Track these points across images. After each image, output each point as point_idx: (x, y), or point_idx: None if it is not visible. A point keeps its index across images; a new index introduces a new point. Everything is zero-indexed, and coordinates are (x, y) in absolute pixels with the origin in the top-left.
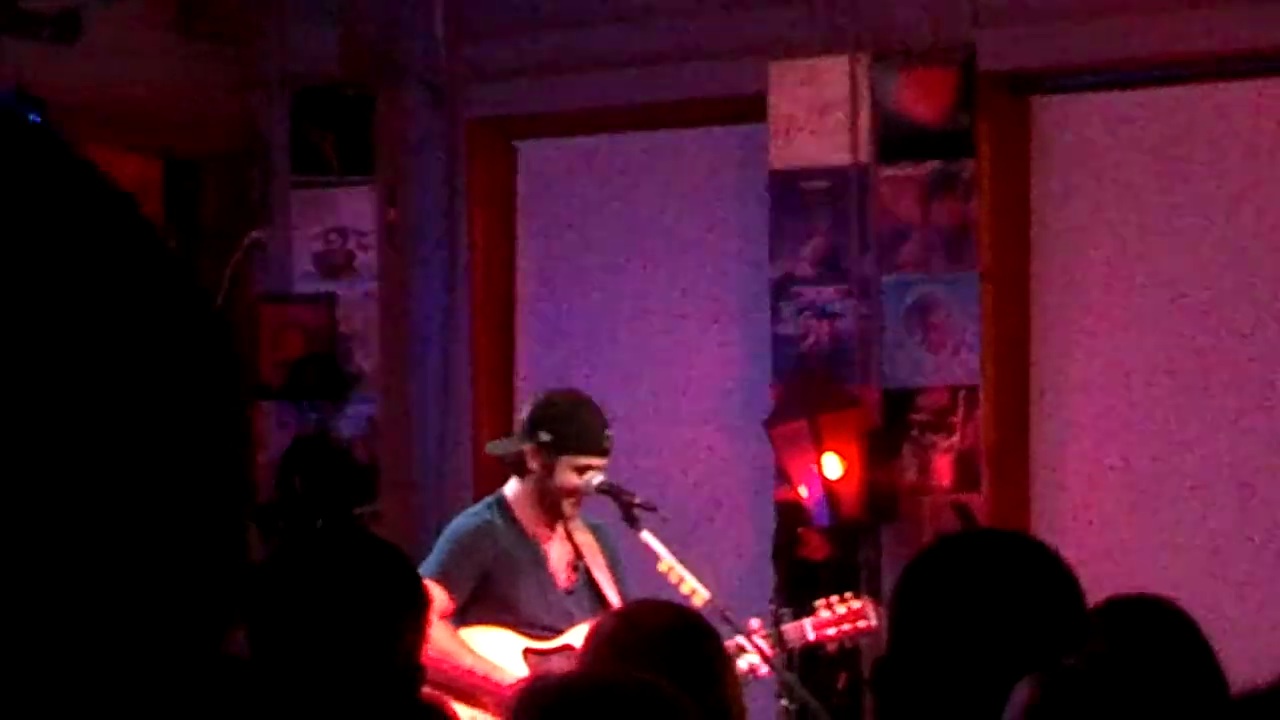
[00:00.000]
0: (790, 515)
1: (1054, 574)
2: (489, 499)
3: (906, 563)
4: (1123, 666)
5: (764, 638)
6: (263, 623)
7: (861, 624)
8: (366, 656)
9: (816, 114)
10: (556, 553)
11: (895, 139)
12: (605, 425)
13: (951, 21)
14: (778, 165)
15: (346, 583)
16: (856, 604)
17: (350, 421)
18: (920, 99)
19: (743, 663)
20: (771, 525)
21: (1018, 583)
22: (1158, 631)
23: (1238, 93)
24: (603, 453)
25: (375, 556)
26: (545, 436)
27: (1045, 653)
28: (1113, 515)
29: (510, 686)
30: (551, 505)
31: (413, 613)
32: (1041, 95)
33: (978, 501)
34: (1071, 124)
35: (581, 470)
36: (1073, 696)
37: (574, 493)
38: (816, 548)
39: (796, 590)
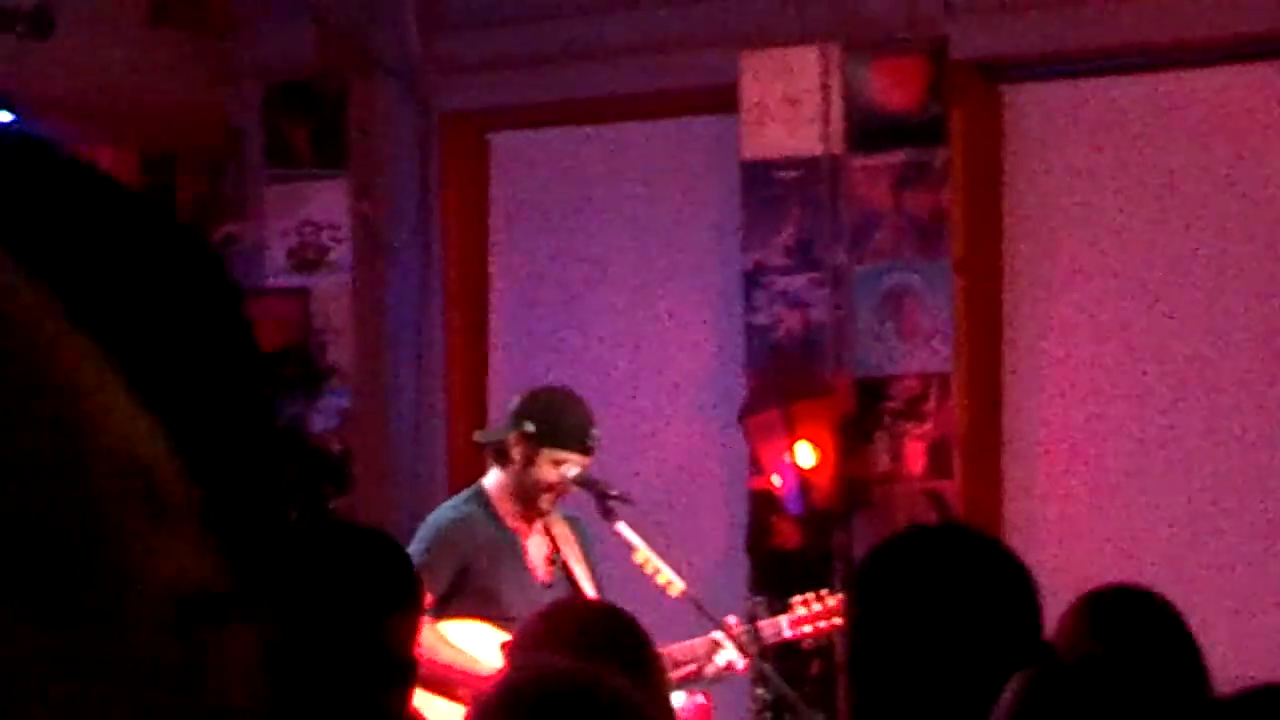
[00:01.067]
0: (763, 504)
1: (1006, 567)
2: (468, 491)
3: (863, 558)
4: (1110, 662)
5: (740, 634)
6: None
7: (837, 620)
8: (359, 649)
9: (788, 104)
10: (535, 546)
11: (867, 128)
12: (591, 424)
13: (923, 10)
14: (749, 155)
15: (341, 574)
16: (832, 601)
17: (324, 414)
18: (892, 88)
19: (720, 659)
20: (745, 514)
21: (970, 577)
22: (1144, 623)
23: (1211, 80)
24: (584, 450)
25: (370, 548)
26: (530, 427)
27: (1002, 647)
28: (1085, 503)
29: (489, 679)
30: (529, 500)
31: (407, 606)
32: (1013, 84)
33: (951, 490)
34: (1044, 112)
35: (560, 464)
36: (1060, 694)
37: (551, 488)
38: (790, 536)
39: (770, 579)
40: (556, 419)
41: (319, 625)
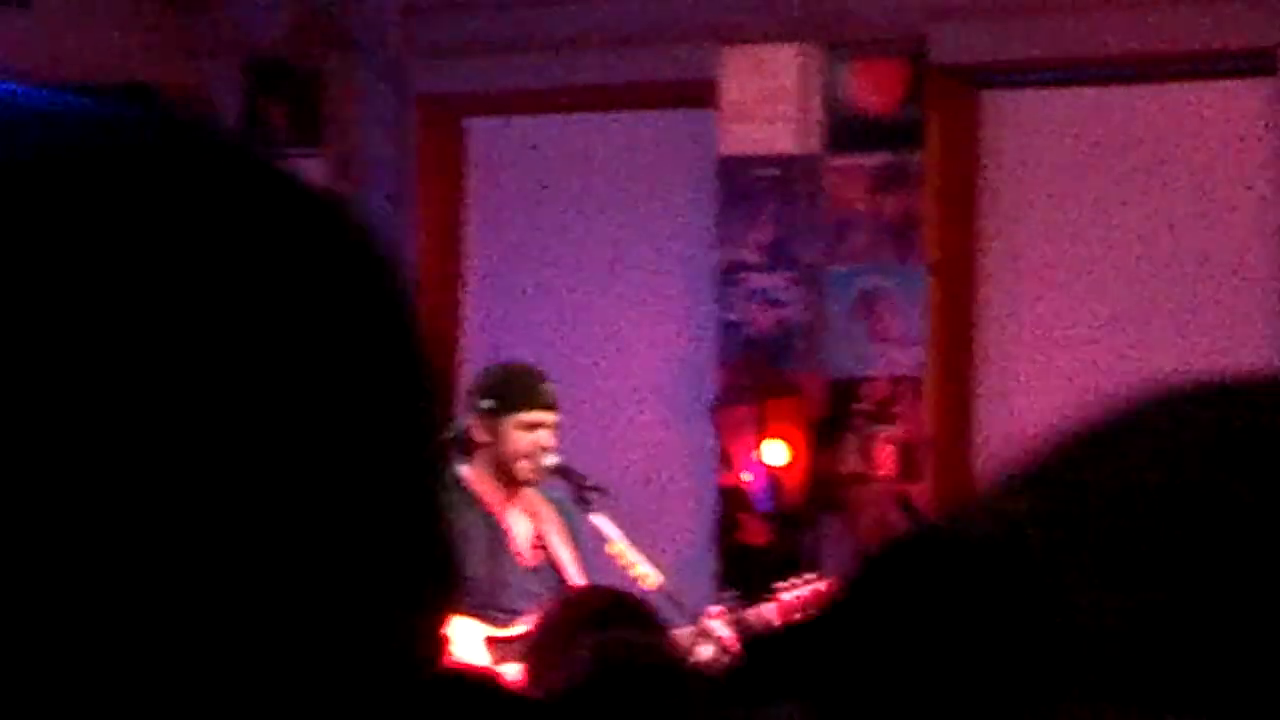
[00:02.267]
0: (733, 500)
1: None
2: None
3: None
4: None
5: (727, 624)
6: None
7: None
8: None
9: (767, 101)
10: (520, 529)
11: (845, 129)
12: (543, 379)
13: (904, 13)
14: (727, 151)
15: None
16: (820, 586)
17: None
18: (871, 90)
19: (706, 649)
20: (714, 510)
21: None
22: None
23: (1187, 93)
24: (546, 406)
25: None
26: (486, 403)
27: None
28: None
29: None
30: (507, 474)
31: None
32: (992, 89)
33: (920, 492)
34: (1021, 119)
35: (530, 427)
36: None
37: (529, 455)
38: (757, 533)
39: (737, 575)
40: (508, 386)
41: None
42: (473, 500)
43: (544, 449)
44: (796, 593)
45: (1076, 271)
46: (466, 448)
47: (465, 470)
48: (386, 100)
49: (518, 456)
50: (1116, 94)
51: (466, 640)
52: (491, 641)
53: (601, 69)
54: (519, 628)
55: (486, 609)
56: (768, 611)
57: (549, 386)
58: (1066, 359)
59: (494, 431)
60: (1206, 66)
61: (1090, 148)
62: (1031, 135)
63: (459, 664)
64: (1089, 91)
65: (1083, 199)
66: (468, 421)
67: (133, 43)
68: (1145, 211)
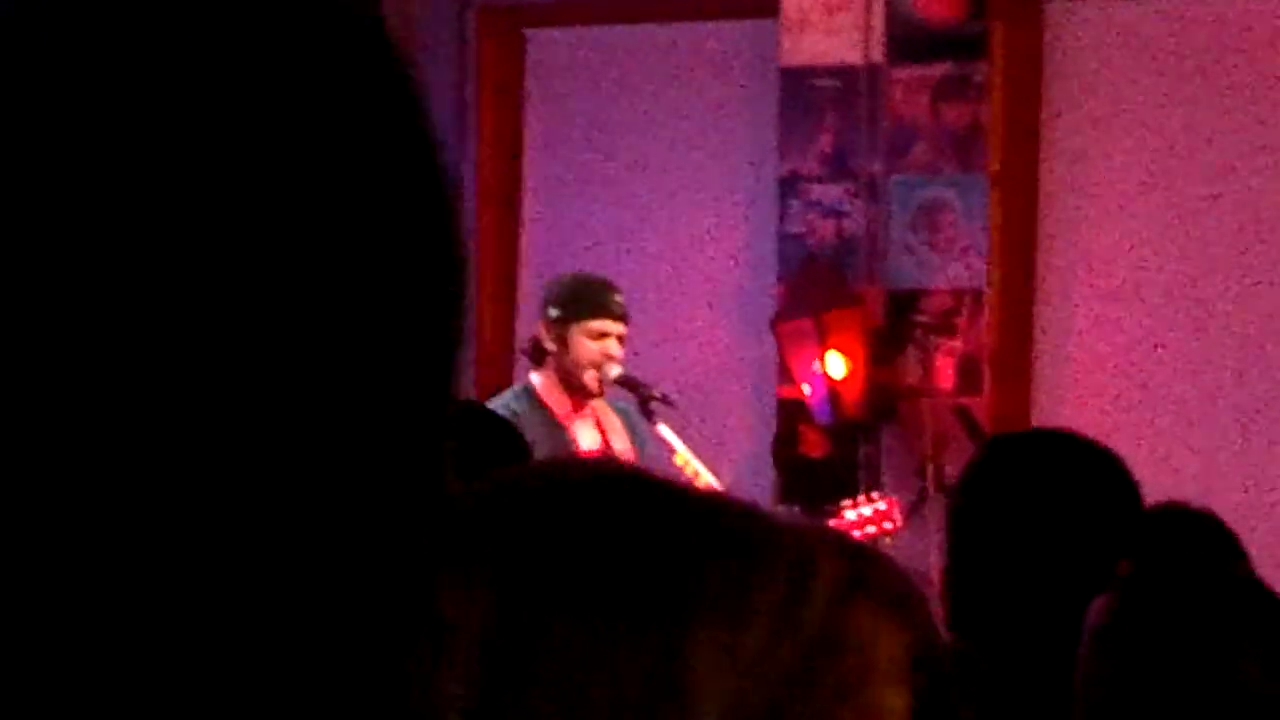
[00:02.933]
0: (791, 412)
1: (1113, 474)
2: (515, 389)
3: (965, 467)
4: (1194, 577)
5: None
6: None
7: (887, 525)
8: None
9: (829, 12)
10: (586, 441)
11: (907, 39)
12: (614, 291)
13: None
14: (788, 62)
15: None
16: (882, 505)
17: None
18: (934, 1)
19: None
20: (772, 422)
21: (1077, 483)
22: (1201, 542)
23: (1256, 3)
24: (614, 316)
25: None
26: (554, 311)
27: (1108, 553)
28: (1114, 422)
29: None
30: (575, 383)
31: None
32: (1056, 0)
33: (979, 405)
34: (1086, 30)
35: (597, 336)
36: (1144, 617)
37: (594, 364)
38: (816, 445)
39: (796, 488)
40: (576, 295)
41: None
42: (541, 409)
43: (610, 358)
44: (859, 510)
45: (1142, 184)
46: (537, 357)
47: (535, 379)
48: (447, 10)
49: (584, 365)
50: (1186, 3)
51: None
52: None
53: None
54: None
55: None
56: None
57: (618, 297)
58: (1130, 271)
59: (561, 340)
60: None
61: (1158, 58)
62: (1097, 45)
63: None
64: (1157, 1)
65: (1149, 111)
66: (538, 330)
67: None
68: (1214, 119)
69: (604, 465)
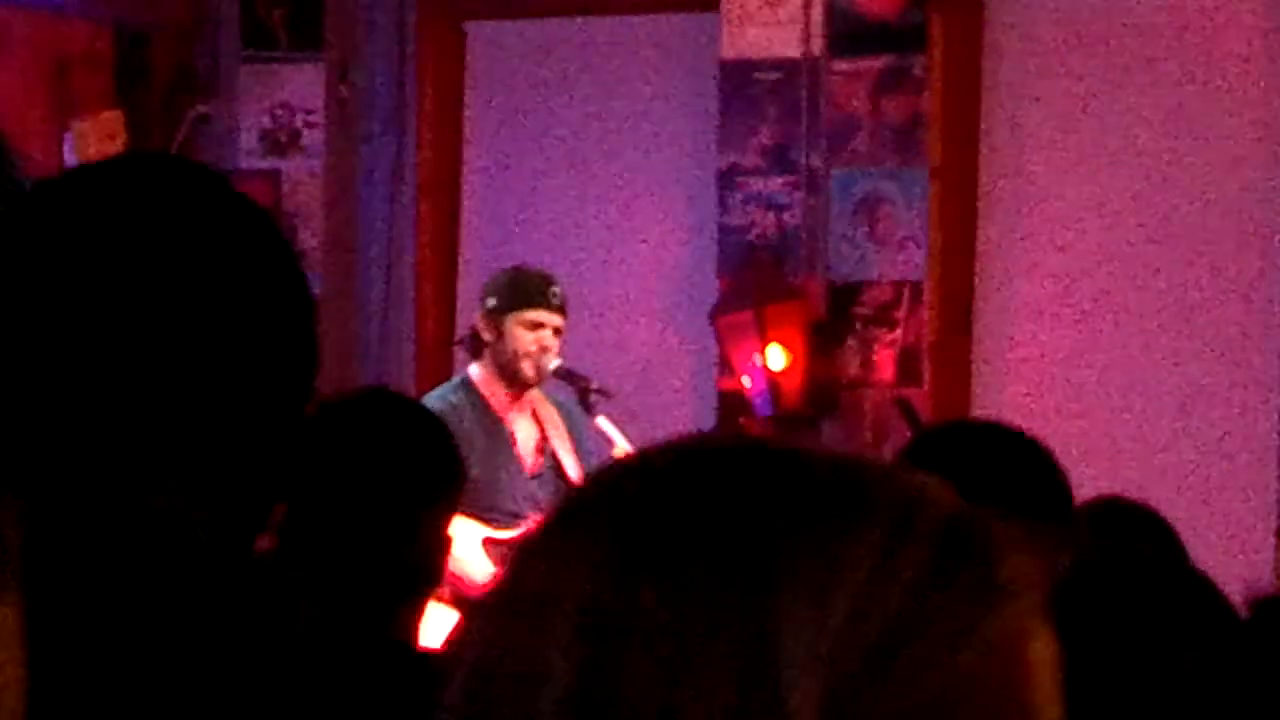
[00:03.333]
0: (732, 405)
1: (1038, 462)
2: (454, 381)
3: (895, 458)
4: (1126, 573)
5: None
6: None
7: None
8: (387, 548)
9: (769, 5)
10: (524, 433)
11: (847, 32)
12: (551, 282)
13: None
14: (729, 55)
15: (376, 457)
16: None
17: None
18: None
19: None
20: (713, 414)
21: (1001, 472)
22: (1141, 536)
23: None
24: (550, 307)
25: (412, 427)
26: (491, 302)
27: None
28: (1053, 414)
29: (470, 581)
30: (513, 374)
31: (447, 497)
32: None
33: (919, 396)
34: (1026, 21)
35: (532, 326)
36: (1083, 611)
37: (530, 355)
38: None
39: None
40: (512, 285)
41: (340, 520)
42: (478, 401)
43: (546, 349)
44: None
45: (1082, 176)
46: (474, 348)
47: (474, 371)
48: (387, 3)
49: (520, 356)
50: None
51: (466, 541)
52: (488, 542)
53: None
54: (519, 530)
55: (488, 511)
56: None
57: (555, 289)
58: (1069, 264)
59: (498, 330)
60: None
61: (1098, 50)
62: (1037, 38)
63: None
64: None
65: (1089, 102)
66: (476, 322)
67: None
68: (1153, 112)
69: (726, 438)
